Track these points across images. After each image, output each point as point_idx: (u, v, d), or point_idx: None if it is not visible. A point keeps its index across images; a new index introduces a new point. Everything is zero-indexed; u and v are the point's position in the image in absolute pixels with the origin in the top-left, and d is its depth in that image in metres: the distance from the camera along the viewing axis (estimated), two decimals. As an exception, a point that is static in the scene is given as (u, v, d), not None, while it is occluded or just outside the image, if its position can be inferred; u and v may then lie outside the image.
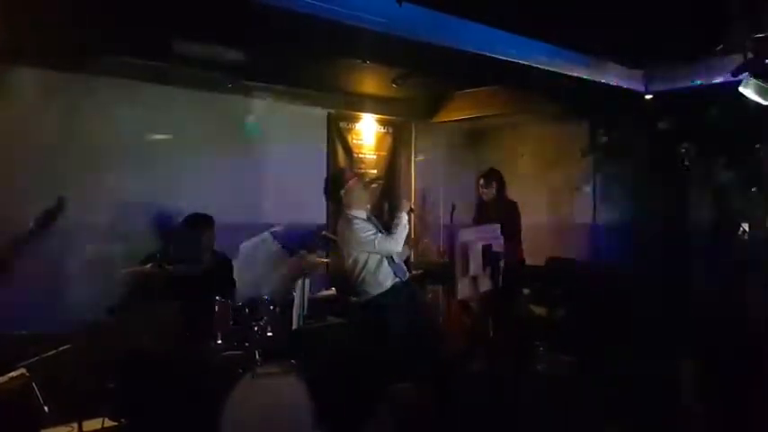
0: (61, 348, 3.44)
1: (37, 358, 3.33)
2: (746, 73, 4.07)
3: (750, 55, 4.03)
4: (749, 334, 4.55)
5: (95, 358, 3.73)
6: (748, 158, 5.18)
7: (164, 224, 4.89)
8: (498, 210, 5.28)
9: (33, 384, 3.20)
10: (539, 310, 5.46)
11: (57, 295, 4.27)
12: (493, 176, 5.52)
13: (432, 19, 3.82)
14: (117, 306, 4.44)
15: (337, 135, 6.31)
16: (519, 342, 4.88)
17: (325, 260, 5.51)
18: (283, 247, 4.93)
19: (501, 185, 5.50)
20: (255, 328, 4.00)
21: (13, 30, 3.64)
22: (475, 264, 3.41)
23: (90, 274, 4.45)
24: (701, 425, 3.78)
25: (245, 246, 4.76)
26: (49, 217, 3.23)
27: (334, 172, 5.20)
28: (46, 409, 3.21)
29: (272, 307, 4.12)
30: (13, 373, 3.18)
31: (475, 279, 3.44)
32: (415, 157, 7.05)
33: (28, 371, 3.23)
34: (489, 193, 5.45)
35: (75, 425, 3.57)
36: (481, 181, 5.51)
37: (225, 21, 3.75)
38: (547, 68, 4.63)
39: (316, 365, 4.21)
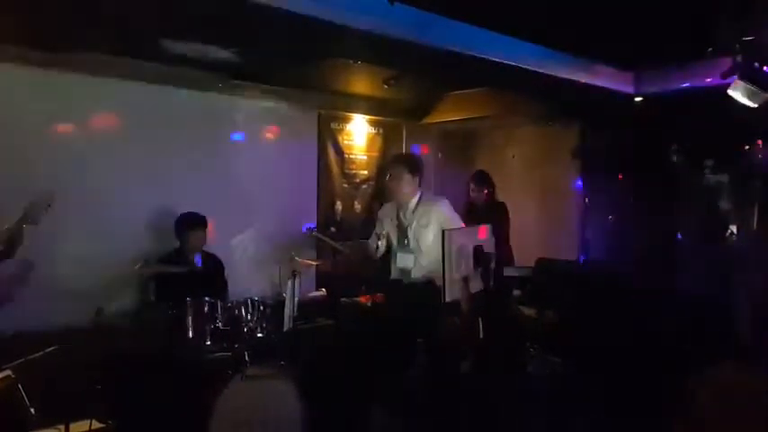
0: (48, 350, 3.39)
1: (23, 360, 3.29)
2: (735, 75, 4.10)
3: (739, 58, 4.06)
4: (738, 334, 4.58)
5: (83, 359, 3.70)
6: (737, 160, 5.21)
7: (156, 224, 4.86)
8: (487, 211, 5.29)
9: (19, 386, 3.17)
10: (528, 312, 5.46)
11: (43, 295, 4.23)
12: (483, 178, 5.54)
13: (423, 19, 3.81)
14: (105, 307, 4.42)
15: (328, 135, 6.30)
16: (509, 343, 4.88)
17: (316, 261, 5.50)
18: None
19: (491, 187, 5.52)
20: (245, 329, 3.98)
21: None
22: (466, 265, 3.41)
23: (77, 273, 4.41)
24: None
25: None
26: (36, 211, 3.21)
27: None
28: (32, 411, 3.17)
29: (261, 308, 4.10)
30: (-1, 375, 3.15)
31: (465, 280, 3.44)
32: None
33: (14, 372, 3.19)
34: (480, 194, 5.46)
35: (63, 427, 3.52)
36: (472, 183, 5.52)
37: (215, 20, 3.73)
38: (537, 70, 4.65)
39: (305, 367, 4.20)
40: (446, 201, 4.22)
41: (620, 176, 5.99)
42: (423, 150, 7.05)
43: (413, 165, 4.15)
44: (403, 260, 4.10)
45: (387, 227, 4.17)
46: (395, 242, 4.16)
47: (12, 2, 3.39)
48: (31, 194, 3.28)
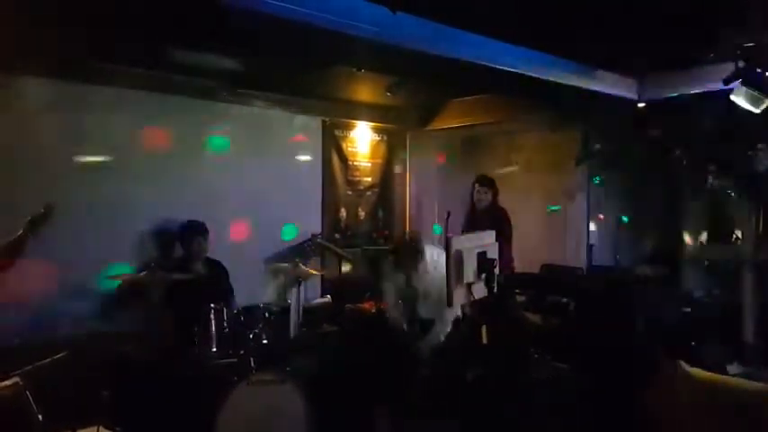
0: (56, 357, 3.42)
1: (31, 366, 3.32)
2: (738, 81, 4.11)
3: (741, 63, 4.07)
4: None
5: (90, 366, 3.72)
6: (740, 165, 5.22)
7: (159, 231, 4.89)
8: (489, 217, 5.27)
9: (27, 393, 3.19)
10: (533, 318, 5.46)
11: (50, 301, 4.26)
12: (487, 182, 5.52)
13: (425, 28, 3.84)
14: (112, 313, 4.46)
15: (332, 143, 6.33)
16: (513, 349, 4.88)
17: (321, 271, 5.52)
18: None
19: (494, 192, 5.50)
20: (251, 336, 4.00)
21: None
22: (470, 271, 3.41)
23: (85, 281, 4.45)
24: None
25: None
26: (38, 222, 3.27)
27: None
28: (40, 417, 3.19)
29: (267, 314, 4.12)
30: (7, 382, 3.17)
31: (470, 286, 3.44)
32: (410, 165, 7.06)
33: (22, 379, 3.22)
34: (484, 199, 5.44)
35: (70, 433, 3.55)
36: (476, 186, 5.51)
37: (220, 28, 3.77)
38: (540, 77, 4.66)
39: (311, 373, 4.21)
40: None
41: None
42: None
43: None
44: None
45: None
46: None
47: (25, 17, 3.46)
48: (36, 204, 3.34)
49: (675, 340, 4.47)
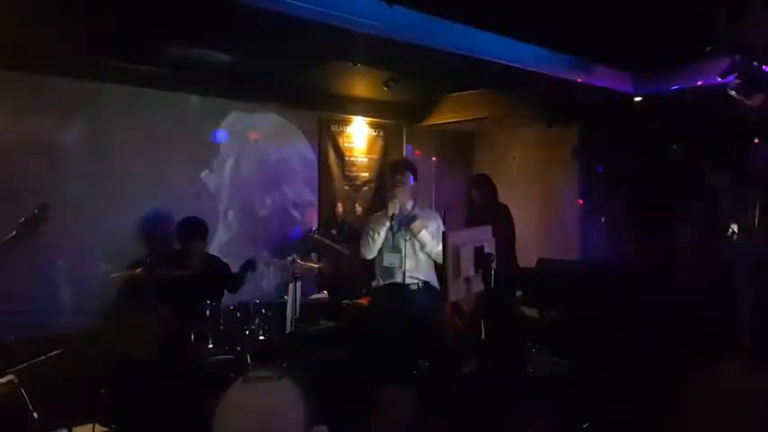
0: (51, 354, 3.40)
1: (26, 364, 3.30)
2: (734, 75, 4.10)
3: (738, 57, 4.06)
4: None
5: (86, 363, 3.71)
6: (737, 159, 5.21)
7: (157, 228, 4.87)
8: (490, 214, 5.24)
9: (22, 390, 3.18)
10: (530, 312, 5.47)
11: (46, 300, 4.24)
12: (483, 181, 5.51)
13: (422, 21, 3.82)
14: (107, 311, 4.44)
15: (329, 138, 6.31)
16: (511, 343, 4.88)
17: (317, 263, 5.50)
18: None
19: (492, 190, 5.49)
20: (247, 332, 3.99)
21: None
22: (466, 265, 3.40)
23: (79, 278, 4.42)
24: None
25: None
26: (33, 222, 3.26)
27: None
28: (35, 415, 3.18)
29: (263, 310, 4.11)
30: (2, 380, 3.16)
31: (467, 281, 3.43)
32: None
33: (17, 377, 3.20)
34: (481, 197, 5.44)
35: (66, 431, 3.53)
36: (473, 186, 5.50)
37: (214, 23, 3.74)
38: (537, 71, 4.65)
39: (308, 369, 4.20)
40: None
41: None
42: (416, 153, 7.06)
43: (415, 171, 4.32)
44: (389, 259, 4.22)
45: (379, 233, 4.25)
46: (383, 246, 4.25)
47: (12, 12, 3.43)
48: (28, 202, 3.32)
49: (672, 335, 4.47)
